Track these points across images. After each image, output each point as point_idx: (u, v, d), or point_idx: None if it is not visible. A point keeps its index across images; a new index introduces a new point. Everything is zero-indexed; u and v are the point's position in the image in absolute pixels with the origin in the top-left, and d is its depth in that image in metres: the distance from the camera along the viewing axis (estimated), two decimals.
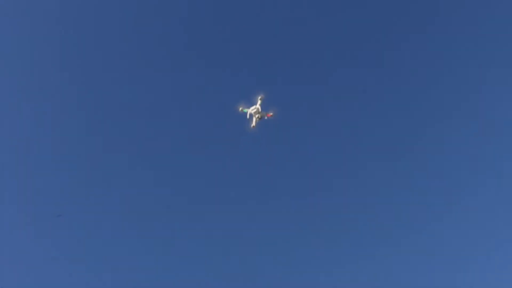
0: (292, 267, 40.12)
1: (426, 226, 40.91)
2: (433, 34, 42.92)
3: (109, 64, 42.29)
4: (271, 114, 26.66)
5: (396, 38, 43.44)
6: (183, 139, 42.63)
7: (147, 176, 42.42)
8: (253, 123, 26.75)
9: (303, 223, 41.72)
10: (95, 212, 41.02)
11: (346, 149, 42.91)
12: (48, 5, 41.26)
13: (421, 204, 41.23)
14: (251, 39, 42.18)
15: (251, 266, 40.47)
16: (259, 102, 26.26)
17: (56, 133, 41.65)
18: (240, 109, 26.74)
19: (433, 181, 41.98)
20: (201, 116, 41.56)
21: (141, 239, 41.07)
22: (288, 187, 42.31)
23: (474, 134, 42.28)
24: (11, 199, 40.19)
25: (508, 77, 41.27)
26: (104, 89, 42.16)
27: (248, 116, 26.70)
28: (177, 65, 42.30)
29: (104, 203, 41.45)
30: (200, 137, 42.02)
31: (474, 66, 42.43)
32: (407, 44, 43.13)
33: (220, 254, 40.79)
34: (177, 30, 42.65)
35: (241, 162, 42.10)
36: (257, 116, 26.53)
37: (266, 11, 42.51)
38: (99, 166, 41.87)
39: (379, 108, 43.27)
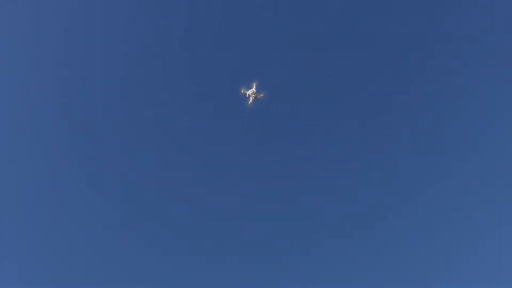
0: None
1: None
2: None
3: (107, 62, 45.38)
4: (262, 95, 39.21)
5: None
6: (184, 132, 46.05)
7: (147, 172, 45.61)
8: (250, 101, 39.41)
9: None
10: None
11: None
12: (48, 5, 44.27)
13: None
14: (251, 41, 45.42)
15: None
16: (254, 86, 38.83)
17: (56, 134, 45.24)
18: (242, 91, 39.29)
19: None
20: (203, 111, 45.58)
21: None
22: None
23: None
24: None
25: None
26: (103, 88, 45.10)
27: (247, 96, 39.31)
28: (178, 62, 45.61)
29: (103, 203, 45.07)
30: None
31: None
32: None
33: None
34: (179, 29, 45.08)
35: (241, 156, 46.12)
36: (253, 96, 39.12)
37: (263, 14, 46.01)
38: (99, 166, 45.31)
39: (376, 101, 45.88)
